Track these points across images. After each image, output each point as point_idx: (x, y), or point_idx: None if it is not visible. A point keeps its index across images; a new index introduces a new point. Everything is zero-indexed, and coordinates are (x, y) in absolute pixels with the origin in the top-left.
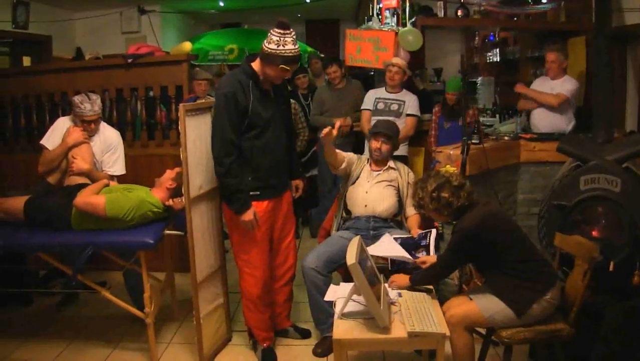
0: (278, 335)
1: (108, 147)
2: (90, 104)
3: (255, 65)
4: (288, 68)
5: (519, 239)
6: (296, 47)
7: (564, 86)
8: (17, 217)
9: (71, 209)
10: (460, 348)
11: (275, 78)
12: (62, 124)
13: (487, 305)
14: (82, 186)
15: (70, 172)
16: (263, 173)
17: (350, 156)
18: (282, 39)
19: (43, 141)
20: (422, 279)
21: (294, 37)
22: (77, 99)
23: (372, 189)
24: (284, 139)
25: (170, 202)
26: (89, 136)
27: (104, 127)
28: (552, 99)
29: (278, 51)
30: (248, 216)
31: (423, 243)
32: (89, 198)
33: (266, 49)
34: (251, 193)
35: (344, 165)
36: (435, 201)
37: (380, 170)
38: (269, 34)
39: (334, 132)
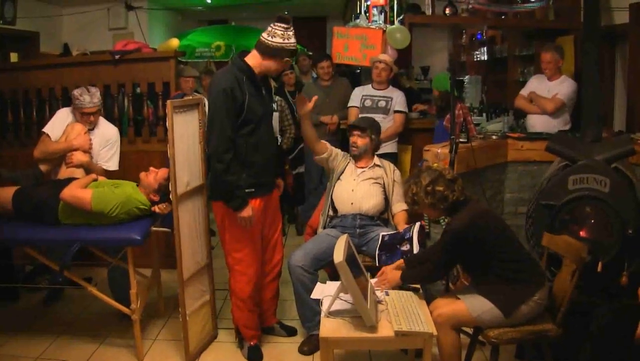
0: (264, 332)
1: (106, 142)
2: (89, 96)
3: (251, 60)
4: (289, 60)
5: (508, 239)
6: (295, 40)
7: (561, 89)
8: (5, 207)
9: (59, 201)
10: (447, 348)
11: (275, 71)
12: (64, 115)
13: (475, 305)
14: (72, 180)
15: (69, 164)
16: (256, 170)
17: (335, 150)
18: (286, 32)
19: (46, 129)
20: (413, 277)
21: (293, 31)
22: (76, 92)
23: (358, 187)
24: (273, 136)
25: (156, 209)
26: (88, 129)
27: (103, 122)
28: (549, 104)
29: (284, 45)
30: (247, 212)
31: (407, 236)
32: (76, 192)
33: (272, 43)
34: (246, 191)
35: (325, 155)
36: (430, 196)
37: (365, 167)
38: (272, 28)
39: (309, 105)
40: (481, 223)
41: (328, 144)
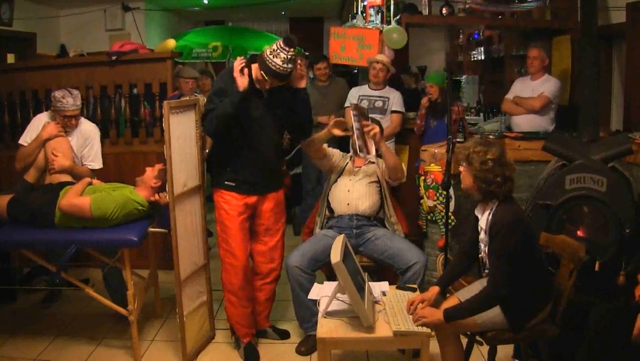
0: (257, 336)
1: (86, 140)
2: (72, 99)
3: (255, 65)
4: (267, 78)
5: (537, 248)
6: (284, 65)
7: (544, 86)
8: (1, 215)
9: (54, 206)
10: (450, 355)
11: (258, 81)
12: (39, 120)
13: (483, 313)
14: (64, 183)
15: (52, 170)
16: (241, 169)
17: (335, 152)
18: (277, 51)
19: (21, 140)
20: (465, 310)
21: (291, 57)
22: (58, 94)
23: (354, 188)
24: (272, 144)
25: (156, 196)
26: (67, 131)
27: (81, 121)
28: (536, 102)
29: (267, 60)
30: (239, 81)
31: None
32: (74, 200)
33: (263, 52)
34: (226, 183)
35: (325, 160)
36: (482, 166)
37: (361, 166)
38: (275, 45)
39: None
40: (525, 220)
41: (327, 149)
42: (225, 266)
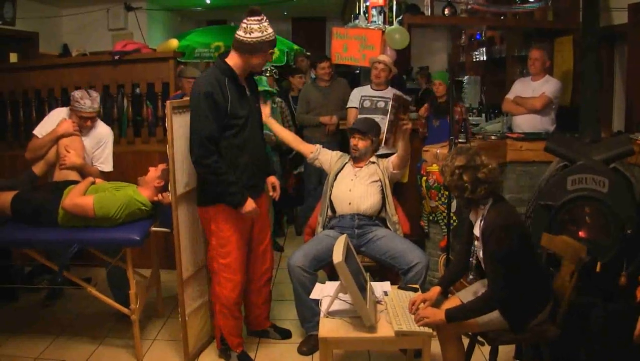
0: (258, 336)
1: (99, 142)
2: (90, 101)
3: (231, 60)
4: (273, 51)
5: (534, 247)
6: (268, 32)
7: (545, 87)
8: (4, 212)
9: (58, 204)
10: (451, 355)
11: (259, 67)
12: (57, 114)
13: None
14: (69, 182)
15: (63, 166)
16: (242, 172)
17: (326, 150)
18: (261, 25)
19: (35, 131)
20: (466, 311)
21: (267, 23)
22: (77, 94)
23: (355, 187)
24: (260, 138)
25: (160, 196)
26: (81, 131)
27: (98, 123)
28: (536, 102)
29: (264, 38)
30: (249, 205)
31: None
32: (77, 200)
33: (250, 39)
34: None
35: (312, 155)
36: (455, 177)
37: (362, 166)
38: (246, 24)
39: (266, 110)
40: (518, 220)
41: (317, 146)
42: (220, 280)
